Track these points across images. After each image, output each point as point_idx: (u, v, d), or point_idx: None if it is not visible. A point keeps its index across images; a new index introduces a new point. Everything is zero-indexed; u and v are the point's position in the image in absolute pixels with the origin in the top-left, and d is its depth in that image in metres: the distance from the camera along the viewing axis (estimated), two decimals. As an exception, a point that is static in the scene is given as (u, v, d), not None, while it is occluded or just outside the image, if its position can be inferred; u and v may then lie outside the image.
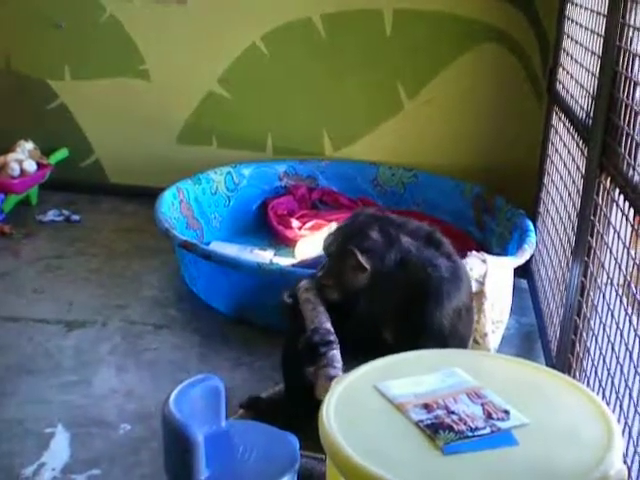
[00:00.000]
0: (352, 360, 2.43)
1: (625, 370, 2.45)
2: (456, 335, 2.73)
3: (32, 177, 5.09)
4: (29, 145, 5.18)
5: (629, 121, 2.64)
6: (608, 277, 2.73)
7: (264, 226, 4.85)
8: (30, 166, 5.05)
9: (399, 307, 2.70)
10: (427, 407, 1.99)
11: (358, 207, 4.89)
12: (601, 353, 2.72)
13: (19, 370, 3.41)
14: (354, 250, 2.73)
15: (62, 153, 5.35)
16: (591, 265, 2.96)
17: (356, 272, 2.75)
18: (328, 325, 2.73)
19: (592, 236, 2.95)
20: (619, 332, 2.53)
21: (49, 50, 5.31)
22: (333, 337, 2.68)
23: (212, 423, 2.43)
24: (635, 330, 2.39)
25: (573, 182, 3.47)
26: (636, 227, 2.47)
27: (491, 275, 3.46)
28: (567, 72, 4.02)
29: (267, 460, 2.36)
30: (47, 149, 5.27)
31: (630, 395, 2.40)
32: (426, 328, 2.67)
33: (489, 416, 1.96)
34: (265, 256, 4.37)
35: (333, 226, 3.75)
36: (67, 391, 3.29)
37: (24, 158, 5.06)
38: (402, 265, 2.73)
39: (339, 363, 2.60)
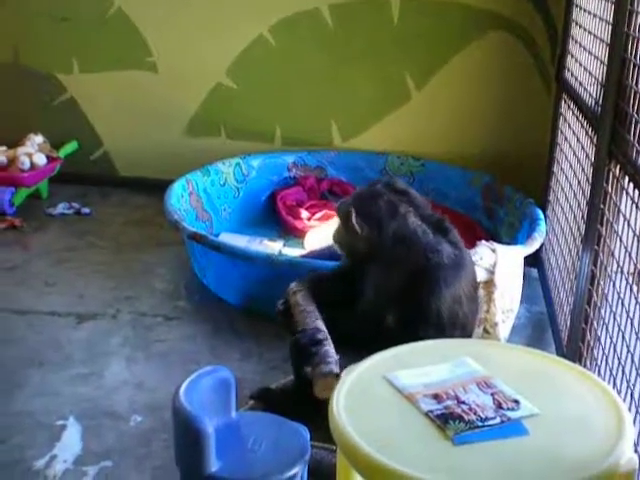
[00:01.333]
0: (356, 351, 2.46)
1: (636, 359, 2.45)
2: (456, 323, 2.74)
3: (42, 170, 5.10)
4: (39, 138, 5.20)
5: (638, 108, 2.63)
6: (618, 265, 2.72)
7: (273, 217, 4.85)
8: (40, 159, 5.06)
9: (401, 291, 2.72)
10: (437, 397, 1.99)
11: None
12: (612, 342, 2.72)
13: (30, 363, 3.42)
14: (351, 210, 2.79)
15: (71, 146, 5.36)
16: (601, 254, 2.95)
17: (352, 233, 2.81)
18: (318, 323, 2.75)
19: (602, 224, 2.94)
20: (629, 320, 2.52)
21: (57, 44, 5.31)
22: (322, 334, 2.69)
23: (222, 414, 2.43)
24: (645, 318, 2.38)
25: (583, 170, 3.46)
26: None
27: (501, 264, 3.45)
28: (575, 60, 4.00)
29: (277, 451, 2.37)
30: (56, 142, 5.28)
31: (641, 383, 2.39)
32: (423, 314, 2.68)
33: (499, 406, 1.96)
34: (274, 247, 4.37)
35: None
36: (78, 383, 3.30)
37: (34, 151, 5.08)
38: (404, 244, 2.74)
39: (332, 357, 2.61)
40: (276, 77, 5.15)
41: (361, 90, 5.09)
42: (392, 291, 2.74)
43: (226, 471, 2.27)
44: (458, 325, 2.74)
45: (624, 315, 2.59)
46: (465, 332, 2.79)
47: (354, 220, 2.78)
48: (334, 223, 3.01)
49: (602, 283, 2.94)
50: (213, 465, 2.26)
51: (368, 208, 2.80)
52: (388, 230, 2.76)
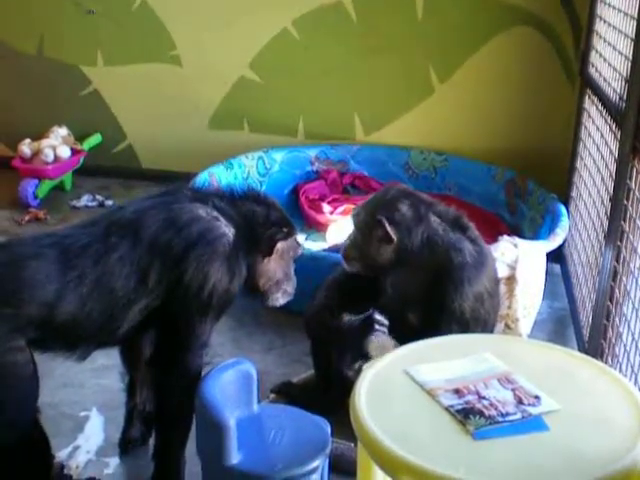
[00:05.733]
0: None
1: (658, 356, 2.45)
2: (478, 319, 2.73)
3: (66, 163, 5.14)
4: (63, 131, 5.23)
5: (663, 105, 2.62)
6: (641, 262, 2.72)
7: (296, 211, 4.84)
8: (64, 152, 5.10)
9: (423, 290, 2.71)
10: (458, 392, 2.00)
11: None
12: (633, 338, 2.71)
13: (53, 354, 3.44)
14: (382, 220, 2.71)
15: (95, 139, 5.39)
16: (624, 250, 2.94)
17: (381, 244, 2.74)
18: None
19: (625, 221, 2.93)
20: (652, 317, 2.52)
21: (81, 36, 5.34)
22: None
23: (244, 407, 2.45)
24: (668, 315, 2.38)
25: (606, 166, 3.44)
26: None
27: (523, 260, 3.45)
28: (600, 55, 3.98)
29: (298, 444, 2.38)
30: (80, 135, 5.32)
31: (662, 381, 2.39)
32: (447, 311, 2.67)
33: (520, 401, 1.96)
34: (297, 241, 4.37)
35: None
36: (101, 375, 3.31)
37: (58, 144, 5.11)
38: (428, 245, 2.72)
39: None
40: (299, 71, 5.15)
41: (384, 84, 5.08)
42: (415, 291, 2.73)
43: (247, 463, 2.29)
44: (480, 322, 2.74)
45: (646, 312, 2.58)
46: (486, 328, 2.79)
47: (389, 229, 2.70)
48: (345, 234, 2.95)
49: (624, 279, 2.93)
50: (234, 457, 2.28)
51: (394, 214, 2.73)
52: (417, 234, 2.72)
